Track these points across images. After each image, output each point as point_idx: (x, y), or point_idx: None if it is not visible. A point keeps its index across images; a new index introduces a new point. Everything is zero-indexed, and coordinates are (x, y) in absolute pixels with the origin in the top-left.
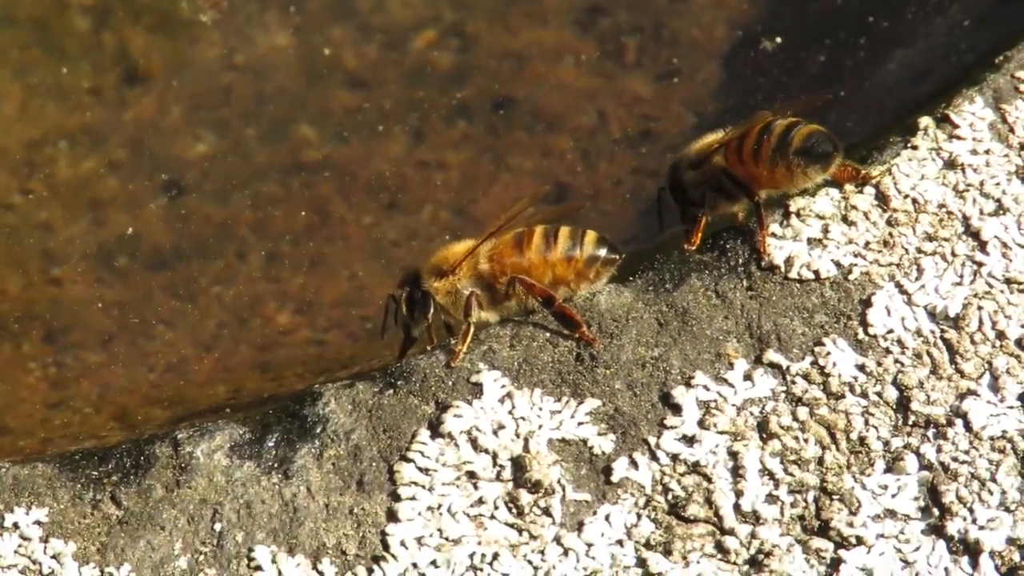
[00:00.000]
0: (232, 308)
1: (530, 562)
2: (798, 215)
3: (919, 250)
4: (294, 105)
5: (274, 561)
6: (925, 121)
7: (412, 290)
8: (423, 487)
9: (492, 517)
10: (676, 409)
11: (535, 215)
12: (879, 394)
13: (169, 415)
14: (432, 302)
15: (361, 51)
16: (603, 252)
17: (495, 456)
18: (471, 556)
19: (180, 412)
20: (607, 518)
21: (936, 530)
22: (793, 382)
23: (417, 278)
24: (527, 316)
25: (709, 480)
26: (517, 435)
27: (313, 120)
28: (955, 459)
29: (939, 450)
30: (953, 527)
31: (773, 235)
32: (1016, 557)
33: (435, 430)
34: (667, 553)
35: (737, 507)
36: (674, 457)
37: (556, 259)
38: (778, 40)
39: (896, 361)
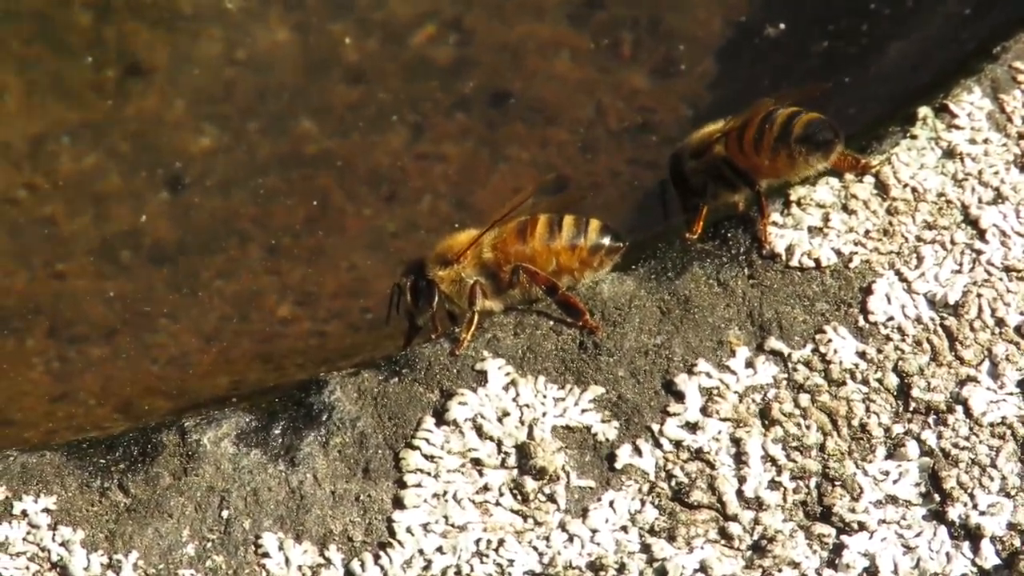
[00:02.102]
0: (234, 301)
1: (535, 548)
2: (798, 204)
3: (919, 238)
4: (295, 99)
5: (281, 548)
6: (924, 111)
7: (416, 279)
8: (429, 474)
9: (497, 504)
10: (679, 396)
11: (537, 205)
12: (880, 381)
13: (172, 406)
14: (437, 291)
15: (361, 46)
16: (607, 240)
17: (500, 443)
18: (477, 542)
19: (183, 403)
20: (611, 504)
21: (937, 516)
22: (795, 369)
23: (422, 267)
24: (531, 305)
25: (712, 467)
26: (521, 422)
27: (314, 114)
28: (955, 445)
29: (940, 436)
30: (954, 513)
31: (774, 224)
32: (1017, 542)
33: (440, 418)
34: (671, 539)
35: (740, 493)
36: (677, 444)
37: (560, 247)
38: (781, 26)
39: (896, 348)
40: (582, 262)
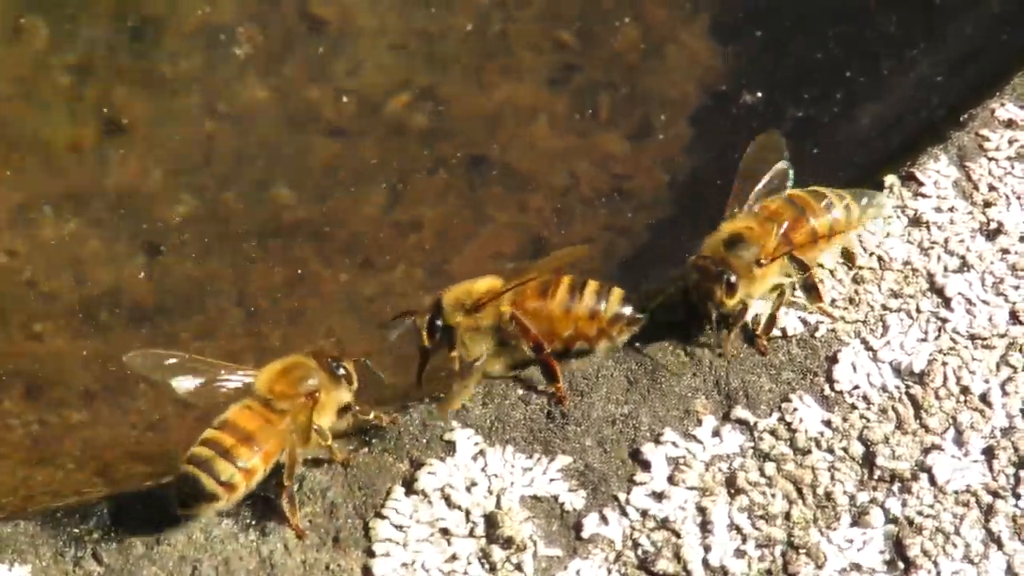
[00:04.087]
0: None
1: None
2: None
3: (884, 307)
4: (272, 165)
5: None
6: (890, 179)
7: (433, 319)
8: (397, 543)
9: (466, 573)
10: (645, 465)
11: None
12: (845, 449)
13: (150, 471)
14: (457, 336)
15: (339, 110)
16: (628, 311)
17: (468, 513)
18: None
19: (161, 468)
20: (578, 573)
21: None
22: (760, 438)
23: (439, 308)
24: (507, 375)
25: (678, 535)
26: (490, 492)
27: (291, 181)
28: (920, 513)
29: (904, 504)
30: None
31: None
32: None
33: (409, 487)
34: None
35: (705, 562)
36: (644, 513)
37: (580, 312)
38: (758, 94)
39: (862, 416)
40: (600, 330)
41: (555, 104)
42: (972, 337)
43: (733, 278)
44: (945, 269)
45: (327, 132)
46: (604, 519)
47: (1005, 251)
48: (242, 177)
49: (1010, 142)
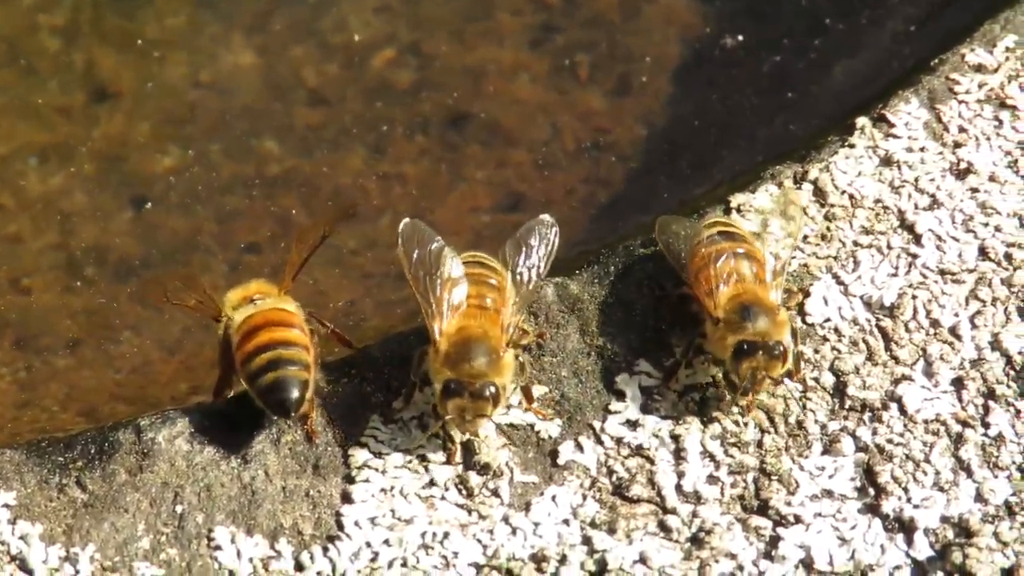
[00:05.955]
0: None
1: (479, 540)
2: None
3: (856, 243)
4: (258, 121)
5: (233, 541)
6: (862, 121)
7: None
8: (376, 470)
9: (443, 498)
10: (620, 395)
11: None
12: (816, 380)
13: (133, 411)
14: None
15: (322, 69)
16: None
17: (445, 441)
18: (423, 535)
19: (144, 408)
20: (553, 499)
21: (872, 509)
22: None
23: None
24: None
25: (652, 462)
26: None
27: (276, 135)
28: (890, 441)
29: (874, 433)
30: (888, 506)
31: None
32: (950, 534)
33: (387, 417)
34: (611, 531)
35: (679, 487)
36: (618, 440)
37: None
38: (739, 38)
39: (833, 348)
40: None
41: (536, 64)
42: (942, 272)
43: (783, 344)
44: (916, 207)
45: (310, 90)
46: (579, 446)
47: (975, 190)
48: (228, 130)
49: (979, 85)
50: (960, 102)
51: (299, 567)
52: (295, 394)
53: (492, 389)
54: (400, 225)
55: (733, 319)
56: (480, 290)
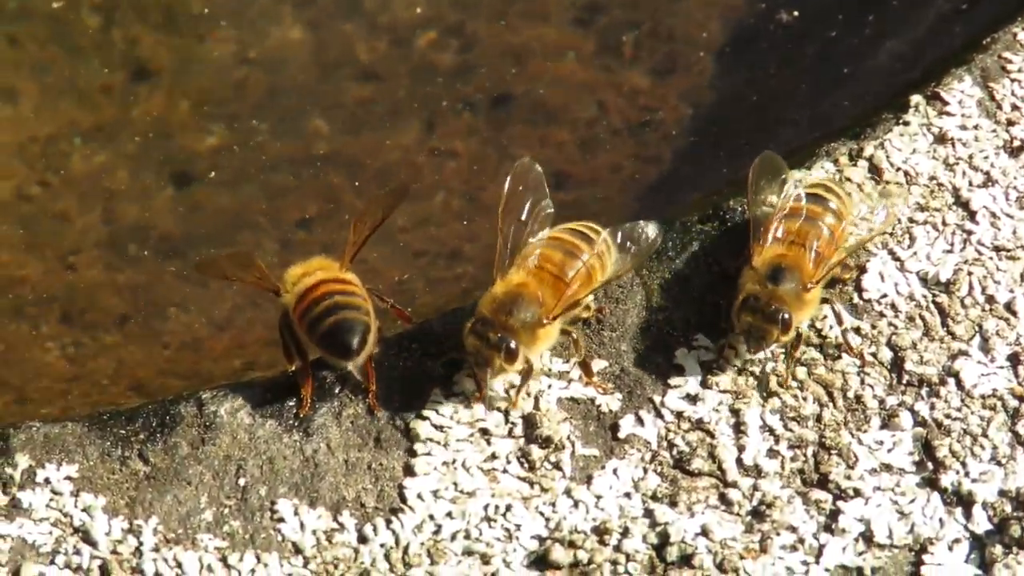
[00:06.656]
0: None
1: (542, 513)
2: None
3: (911, 220)
4: (305, 98)
5: (296, 513)
6: (916, 98)
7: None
8: (438, 443)
9: (505, 471)
10: (680, 370)
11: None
12: (874, 355)
13: (186, 385)
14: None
15: (372, 45)
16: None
17: (507, 414)
18: (485, 508)
19: (196, 383)
20: (615, 472)
21: (930, 483)
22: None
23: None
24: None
25: (712, 436)
26: (528, 394)
27: (324, 113)
28: (948, 416)
29: (932, 407)
30: (947, 480)
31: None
32: (1008, 508)
33: (449, 390)
34: (673, 504)
35: (739, 461)
36: (678, 415)
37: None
38: (795, 14)
39: (890, 324)
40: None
41: (581, 44)
42: (997, 248)
43: (787, 315)
44: (970, 184)
45: (361, 66)
46: (640, 420)
47: None
48: (275, 108)
49: None
50: (1013, 80)
51: (362, 539)
52: (357, 335)
53: (509, 345)
54: (515, 163)
55: (764, 273)
56: (564, 259)
